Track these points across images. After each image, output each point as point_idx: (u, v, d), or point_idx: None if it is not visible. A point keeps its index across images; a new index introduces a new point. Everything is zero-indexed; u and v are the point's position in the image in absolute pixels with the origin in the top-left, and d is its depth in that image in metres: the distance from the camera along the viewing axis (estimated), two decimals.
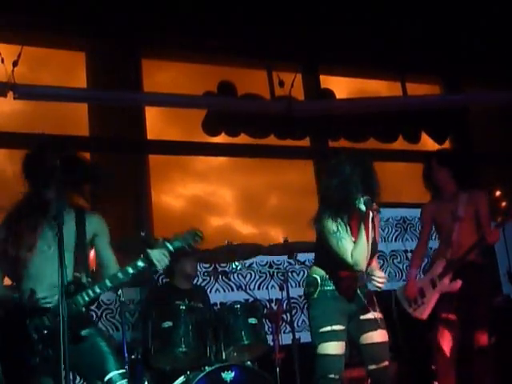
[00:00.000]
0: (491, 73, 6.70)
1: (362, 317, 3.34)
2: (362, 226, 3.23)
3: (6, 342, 2.87)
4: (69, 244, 3.01)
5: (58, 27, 5.51)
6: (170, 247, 3.04)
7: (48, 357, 2.82)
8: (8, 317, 2.92)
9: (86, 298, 2.94)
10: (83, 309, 2.94)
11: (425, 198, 6.39)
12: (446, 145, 7.02)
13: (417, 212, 6.18)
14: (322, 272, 3.35)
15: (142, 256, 3.01)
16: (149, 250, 3.01)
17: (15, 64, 5.03)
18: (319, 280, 3.32)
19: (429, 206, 4.52)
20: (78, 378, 4.37)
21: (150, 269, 3.05)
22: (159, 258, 2.99)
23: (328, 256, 3.31)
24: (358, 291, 3.36)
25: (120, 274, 2.98)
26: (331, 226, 3.26)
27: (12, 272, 3.03)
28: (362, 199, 3.19)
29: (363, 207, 3.18)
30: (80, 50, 5.87)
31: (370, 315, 3.34)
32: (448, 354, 4.07)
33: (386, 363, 3.33)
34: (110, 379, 2.88)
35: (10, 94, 5.08)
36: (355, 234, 3.28)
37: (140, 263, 3.00)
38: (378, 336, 3.33)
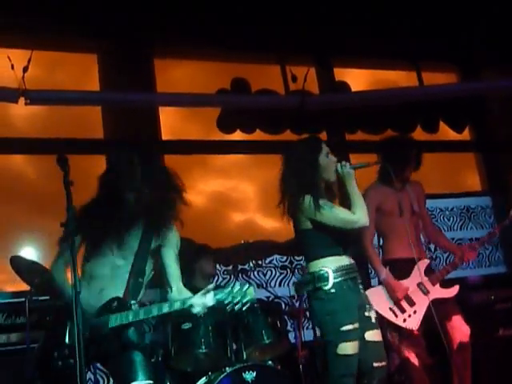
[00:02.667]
0: (509, 59, 6.56)
1: (366, 313, 3.31)
2: (351, 185, 3.31)
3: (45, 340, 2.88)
4: (127, 250, 2.96)
5: (68, 30, 5.50)
6: (215, 299, 2.77)
7: (69, 365, 2.78)
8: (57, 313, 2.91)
9: (118, 321, 2.80)
10: (109, 331, 2.82)
11: (446, 187, 6.33)
12: (466, 133, 6.92)
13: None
14: (328, 262, 3.28)
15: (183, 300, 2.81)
16: (192, 299, 2.80)
17: (25, 69, 5.04)
18: (330, 271, 3.25)
19: (374, 191, 4.11)
20: (100, 381, 4.43)
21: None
22: (199, 306, 2.79)
23: (326, 242, 3.30)
24: (359, 284, 3.37)
25: (155, 309, 2.79)
26: (318, 202, 3.25)
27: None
28: (344, 164, 3.32)
29: (350, 169, 3.31)
30: (92, 51, 5.88)
31: (373, 313, 3.34)
32: (417, 363, 3.93)
33: (386, 362, 3.31)
34: None
35: (22, 100, 5.09)
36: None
37: (177, 306, 2.79)
38: (379, 335, 3.32)
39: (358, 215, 3.26)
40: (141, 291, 2.97)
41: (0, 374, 4.05)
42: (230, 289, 2.73)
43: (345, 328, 3.17)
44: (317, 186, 3.34)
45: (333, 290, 3.23)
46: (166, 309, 2.79)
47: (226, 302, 2.72)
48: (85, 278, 2.94)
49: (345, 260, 3.33)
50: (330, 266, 3.27)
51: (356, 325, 3.20)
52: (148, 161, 3.05)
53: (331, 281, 3.23)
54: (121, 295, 2.91)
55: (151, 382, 2.84)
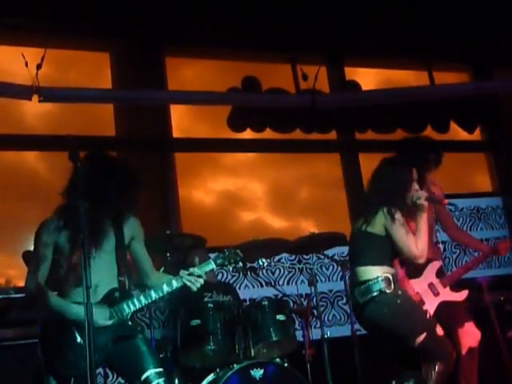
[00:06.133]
0: None
1: None
2: (421, 217, 3.49)
3: (54, 346, 2.92)
4: (109, 249, 3.07)
5: (81, 29, 5.56)
6: (212, 266, 3.19)
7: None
8: (56, 322, 2.95)
9: (132, 308, 3.01)
10: (128, 318, 3.00)
11: (457, 187, 6.31)
12: (476, 133, 6.90)
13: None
14: (387, 269, 3.47)
15: (178, 276, 3.12)
16: (183, 273, 3.12)
17: (39, 67, 5.09)
18: (391, 277, 3.44)
19: None
20: (110, 376, 4.47)
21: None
22: (193, 280, 3.10)
23: (388, 253, 3.49)
24: None
25: (165, 287, 3.07)
26: (401, 217, 3.45)
27: (57, 279, 3.08)
28: (419, 195, 3.50)
29: (424, 202, 3.48)
30: (104, 50, 5.92)
31: None
32: None
33: None
34: (147, 378, 2.90)
35: (35, 97, 5.14)
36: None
37: (175, 283, 3.09)
38: None
39: (421, 252, 3.47)
40: (131, 279, 3.15)
41: (14, 367, 4.11)
42: (222, 254, 3.24)
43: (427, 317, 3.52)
44: (403, 204, 3.53)
45: (400, 292, 3.46)
46: (176, 284, 3.08)
47: (226, 264, 3.24)
48: (72, 284, 2.99)
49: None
50: (390, 272, 3.48)
51: None
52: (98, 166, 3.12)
53: (393, 284, 3.43)
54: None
55: (162, 369, 2.98)
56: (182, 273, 3.11)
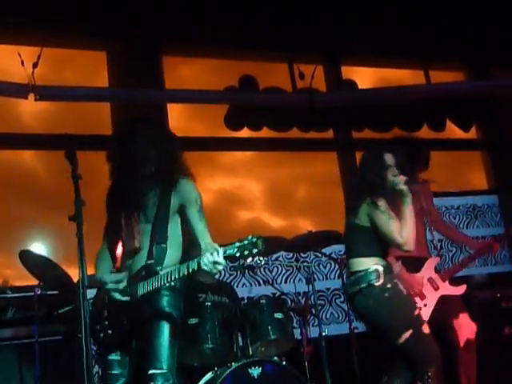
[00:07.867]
0: None
1: None
2: (406, 205, 3.39)
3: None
4: (150, 216, 3.02)
5: (77, 28, 5.56)
6: (226, 254, 2.68)
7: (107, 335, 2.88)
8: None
9: (146, 289, 2.88)
10: (139, 298, 2.90)
11: (453, 185, 6.34)
12: (472, 132, 6.93)
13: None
14: (378, 260, 3.41)
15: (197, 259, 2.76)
16: (202, 256, 2.73)
17: (35, 66, 5.09)
18: (382, 269, 3.37)
19: None
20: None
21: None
22: (209, 264, 2.67)
23: (377, 243, 3.43)
24: None
25: (175, 272, 2.81)
26: (383, 205, 3.37)
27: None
28: (399, 179, 3.40)
29: (403, 187, 3.38)
30: (101, 49, 5.92)
31: None
32: None
33: None
34: (150, 376, 2.84)
35: (32, 96, 5.13)
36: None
37: (194, 266, 2.74)
38: None
39: (405, 239, 3.36)
40: (165, 256, 2.97)
41: (12, 367, 4.11)
42: (238, 243, 2.64)
43: (416, 313, 3.39)
44: (384, 192, 3.45)
45: (389, 286, 3.36)
46: (184, 270, 2.76)
47: (237, 255, 2.63)
48: (127, 255, 3.01)
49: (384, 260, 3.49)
50: (381, 263, 3.41)
51: None
52: (149, 126, 3.15)
53: (382, 277, 3.35)
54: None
55: (166, 371, 2.83)
56: (204, 256, 2.70)
